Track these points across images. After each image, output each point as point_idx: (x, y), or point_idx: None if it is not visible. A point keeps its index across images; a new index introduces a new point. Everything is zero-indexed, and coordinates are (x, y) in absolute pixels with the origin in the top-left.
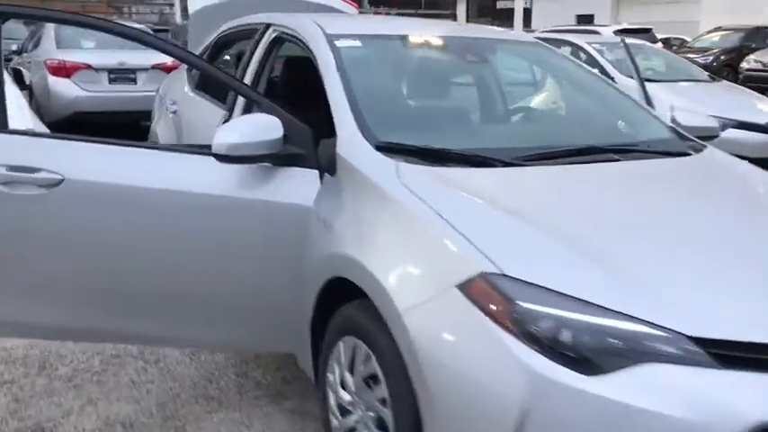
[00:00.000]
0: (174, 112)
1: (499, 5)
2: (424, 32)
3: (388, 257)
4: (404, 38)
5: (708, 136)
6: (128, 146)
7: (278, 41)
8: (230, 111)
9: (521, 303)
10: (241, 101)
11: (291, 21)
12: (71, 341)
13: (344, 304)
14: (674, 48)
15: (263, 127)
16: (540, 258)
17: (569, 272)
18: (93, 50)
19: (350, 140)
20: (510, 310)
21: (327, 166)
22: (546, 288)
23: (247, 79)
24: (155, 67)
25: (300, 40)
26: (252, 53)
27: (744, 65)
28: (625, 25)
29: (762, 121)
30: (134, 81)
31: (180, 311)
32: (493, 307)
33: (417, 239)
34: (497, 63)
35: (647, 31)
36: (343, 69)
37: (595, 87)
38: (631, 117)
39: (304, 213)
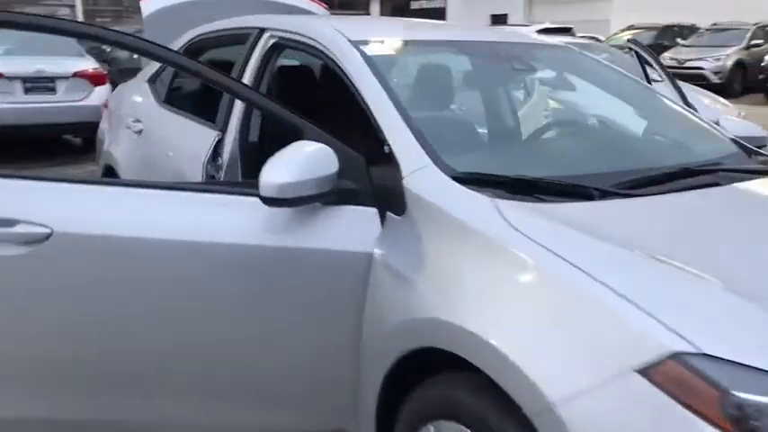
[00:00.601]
0: (140, 132)
1: (413, 6)
2: (449, 36)
3: (516, 328)
4: (435, 43)
5: (755, 146)
6: (136, 186)
7: (277, 49)
8: (222, 131)
9: (736, 393)
10: (236, 119)
11: (296, 25)
12: None
13: (428, 378)
14: None
15: (318, 160)
16: (740, 328)
17: None
18: (3, 57)
19: (421, 172)
20: (722, 402)
21: (390, 203)
22: (764, 370)
23: None
24: (76, 74)
25: (314, 47)
26: (245, 63)
27: None
28: (547, 24)
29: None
30: (53, 90)
31: (210, 392)
32: (695, 398)
33: (560, 306)
34: (545, 71)
35: (568, 30)
36: (386, 84)
37: (648, 97)
38: (694, 130)
39: (364, 262)
